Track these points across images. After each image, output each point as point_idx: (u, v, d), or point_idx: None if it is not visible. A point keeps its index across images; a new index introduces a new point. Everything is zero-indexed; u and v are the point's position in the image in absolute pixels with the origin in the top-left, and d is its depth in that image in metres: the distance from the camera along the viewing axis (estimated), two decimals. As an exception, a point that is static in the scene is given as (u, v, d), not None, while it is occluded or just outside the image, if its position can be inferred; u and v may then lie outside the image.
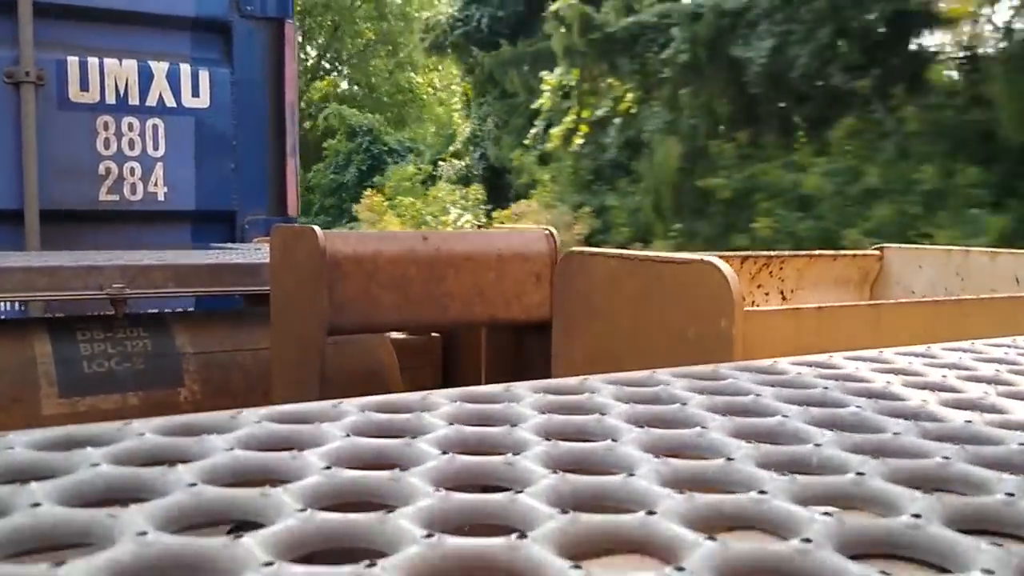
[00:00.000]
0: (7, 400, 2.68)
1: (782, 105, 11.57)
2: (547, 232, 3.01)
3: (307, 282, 2.50)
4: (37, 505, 0.64)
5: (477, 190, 18.83)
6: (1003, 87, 10.06)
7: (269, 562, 0.54)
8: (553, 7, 14.58)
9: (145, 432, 0.83)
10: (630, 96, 13.78)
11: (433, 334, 3.57)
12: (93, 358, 2.91)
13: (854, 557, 0.57)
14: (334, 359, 2.62)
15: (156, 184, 4.24)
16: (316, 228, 2.51)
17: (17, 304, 3.94)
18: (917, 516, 0.64)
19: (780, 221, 10.88)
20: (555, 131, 15.25)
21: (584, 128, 14.70)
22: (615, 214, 13.27)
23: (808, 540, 0.59)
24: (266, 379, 2.91)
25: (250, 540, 0.58)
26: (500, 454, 0.77)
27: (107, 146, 4.12)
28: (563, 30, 14.26)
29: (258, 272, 2.99)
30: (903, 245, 2.69)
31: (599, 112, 14.52)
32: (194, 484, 0.69)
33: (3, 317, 3.90)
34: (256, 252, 3.40)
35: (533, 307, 2.84)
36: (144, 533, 0.59)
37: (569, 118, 14.95)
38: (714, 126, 11.93)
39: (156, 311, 3.17)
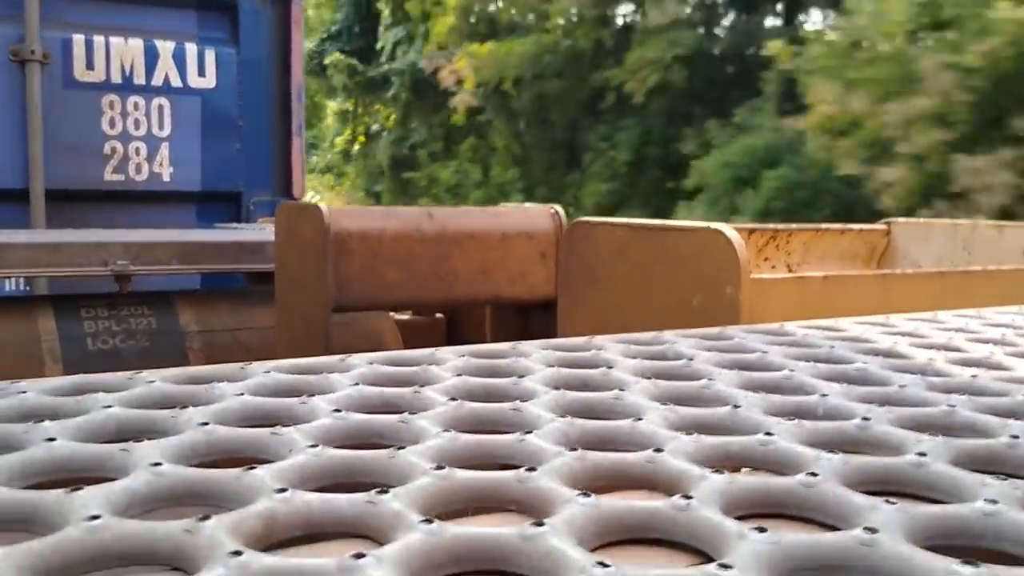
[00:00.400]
0: (11, 376, 2.69)
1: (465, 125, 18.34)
2: (552, 211, 3.01)
3: (312, 259, 2.51)
4: (51, 440, 0.65)
5: (331, 178, 24.42)
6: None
7: (282, 489, 0.55)
8: (327, 60, 20.49)
9: (156, 380, 0.84)
10: (392, 117, 20.22)
11: (438, 315, 3.58)
12: (97, 335, 2.92)
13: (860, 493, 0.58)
14: (339, 338, 2.63)
15: (161, 164, 4.24)
16: (322, 205, 2.52)
17: (22, 282, 3.95)
18: (922, 455, 0.64)
19: (441, 202, 17.02)
20: (338, 140, 21.95)
21: (361, 139, 21.13)
22: (383, 196, 19.79)
23: (814, 474, 0.60)
24: (270, 357, 2.91)
25: (262, 472, 0.59)
26: (508, 401, 0.78)
27: (112, 126, 4.12)
28: (338, 74, 20.56)
29: (262, 250, 3.00)
30: (910, 219, 2.69)
31: (374, 127, 21.07)
32: (206, 423, 0.69)
33: (8, 294, 3.91)
34: (261, 232, 3.41)
35: (538, 285, 2.84)
36: (158, 464, 0.60)
37: (347, 132, 21.56)
38: (430, 138, 19.09)
39: (160, 289, 3.18)
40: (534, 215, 2.98)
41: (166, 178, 4.26)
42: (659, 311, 1.61)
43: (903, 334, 1.14)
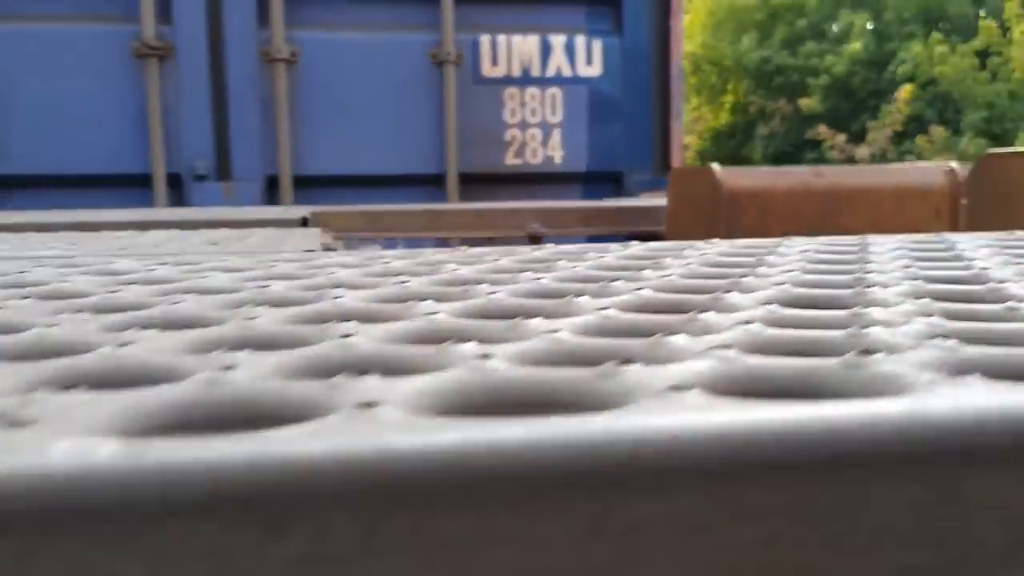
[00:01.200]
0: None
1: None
2: (948, 168, 2.71)
3: (704, 216, 2.45)
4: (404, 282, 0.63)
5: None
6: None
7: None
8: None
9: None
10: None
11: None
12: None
13: None
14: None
15: (553, 148, 4.39)
16: (715, 166, 2.46)
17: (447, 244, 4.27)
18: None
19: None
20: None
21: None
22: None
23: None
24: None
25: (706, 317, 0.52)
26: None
27: (513, 115, 4.33)
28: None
29: (651, 214, 2.98)
30: None
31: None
32: (640, 289, 0.65)
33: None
34: (649, 200, 3.41)
35: (934, 244, 2.57)
36: (605, 309, 0.55)
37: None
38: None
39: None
40: (928, 173, 2.71)
41: (557, 160, 4.40)
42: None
43: None
